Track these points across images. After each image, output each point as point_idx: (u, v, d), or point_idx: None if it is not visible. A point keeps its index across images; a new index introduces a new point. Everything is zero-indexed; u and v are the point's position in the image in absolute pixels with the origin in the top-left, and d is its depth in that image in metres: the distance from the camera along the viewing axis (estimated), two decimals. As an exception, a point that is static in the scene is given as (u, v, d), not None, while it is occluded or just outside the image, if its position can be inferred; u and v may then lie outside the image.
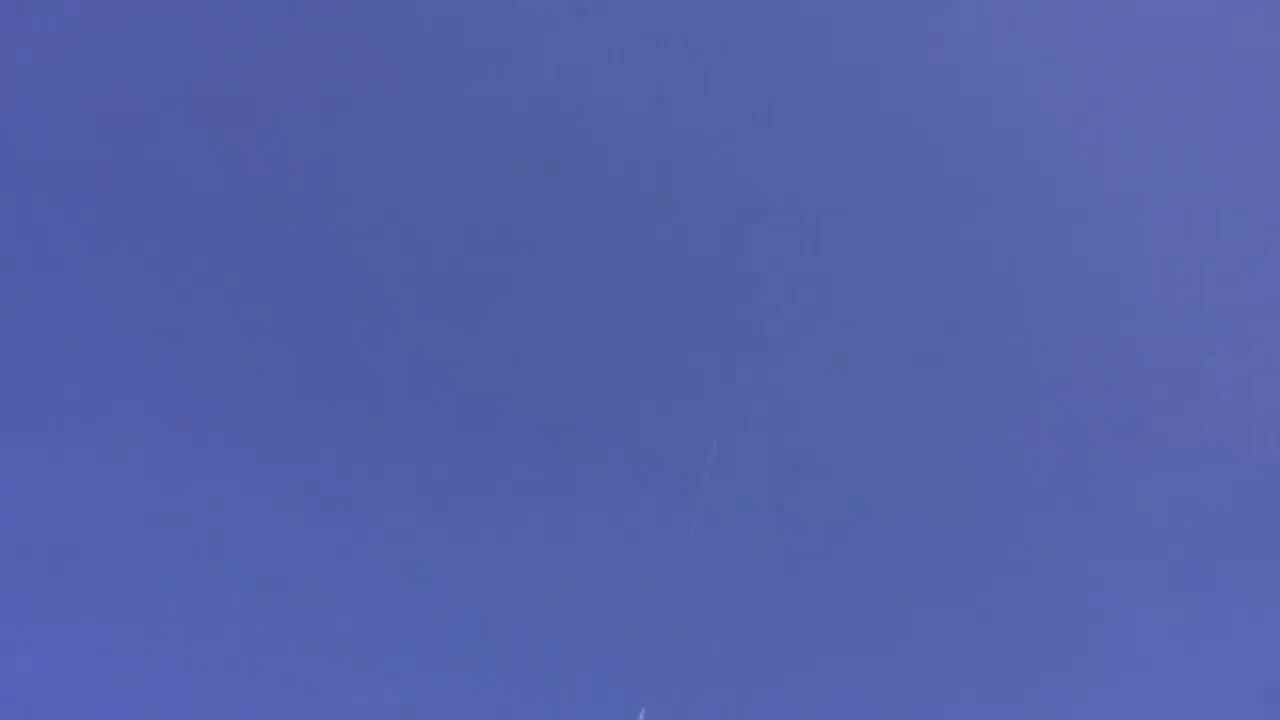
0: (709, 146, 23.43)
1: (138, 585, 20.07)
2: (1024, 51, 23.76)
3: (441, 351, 22.27)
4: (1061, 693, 20.01)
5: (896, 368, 22.25)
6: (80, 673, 19.60)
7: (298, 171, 22.88)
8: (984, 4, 24.05)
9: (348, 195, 22.84)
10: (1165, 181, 22.86)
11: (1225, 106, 22.81)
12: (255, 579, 20.35)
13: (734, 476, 21.12)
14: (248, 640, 20.08)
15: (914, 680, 20.28)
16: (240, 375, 21.60)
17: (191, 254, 22.24)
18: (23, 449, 20.62)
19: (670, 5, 23.98)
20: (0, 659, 19.48)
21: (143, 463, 20.87)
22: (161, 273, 22.06)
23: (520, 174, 23.25)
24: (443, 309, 22.46)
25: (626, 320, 22.55)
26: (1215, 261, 22.21)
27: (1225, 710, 19.39)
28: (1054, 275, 22.58)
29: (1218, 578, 20.39)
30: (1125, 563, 20.69)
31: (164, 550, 20.30)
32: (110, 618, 19.78)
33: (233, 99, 23.00)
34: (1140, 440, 21.38)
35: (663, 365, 22.23)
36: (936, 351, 22.25)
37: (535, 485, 21.41)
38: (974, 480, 21.54)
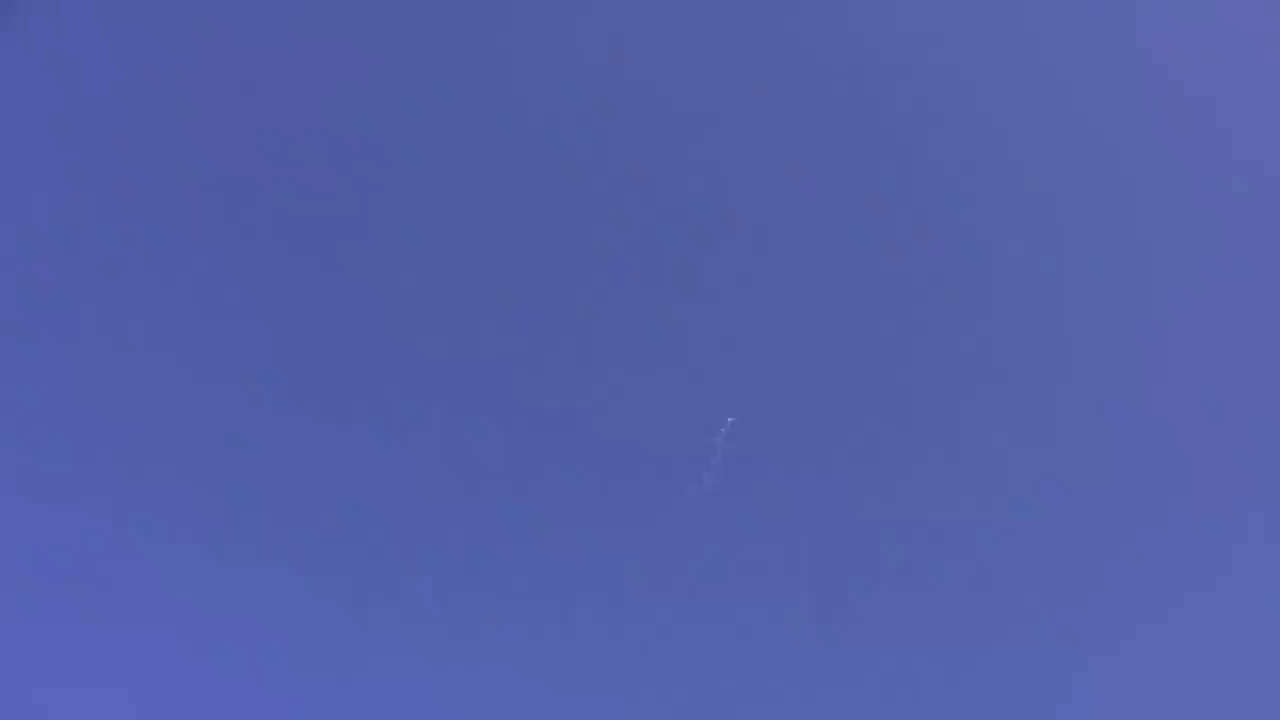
0: (705, 149, 23.54)
1: (140, 589, 20.27)
2: (1023, 52, 23.87)
3: (442, 353, 22.30)
4: (1062, 690, 20.21)
5: (896, 366, 22.42)
6: (82, 675, 19.72)
7: (302, 183, 23.01)
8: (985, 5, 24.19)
9: (349, 202, 22.93)
10: (1164, 181, 23.04)
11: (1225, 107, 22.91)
12: (256, 583, 20.64)
13: (738, 474, 21.32)
14: (249, 643, 20.28)
15: (915, 677, 20.51)
16: (239, 381, 21.80)
17: (195, 261, 22.31)
18: (26, 455, 20.86)
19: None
20: (2, 661, 19.57)
21: (144, 469, 21.02)
22: (164, 283, 22.13)
23: (522, 176, 23.32)
24: (443, 312, 22.55)
25: (626, 321, 22.75)
26: (1215, 260, 22.36)
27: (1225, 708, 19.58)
28: (1053, 274, 22.69)
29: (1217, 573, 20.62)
30: (1126, 562, 20.90)
31: (166, 555, 20.58)
32: (113, 622, 19.95)
33: (233, 100, 23.08)
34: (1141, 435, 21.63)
35: (662, 366, 22.35)
36: (938, 350, 22.44)
37: (537, 487, 21.64)
38: (974, 479, 21.76)
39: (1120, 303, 22.30)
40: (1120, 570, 20.74)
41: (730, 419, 21.23)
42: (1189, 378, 21.74)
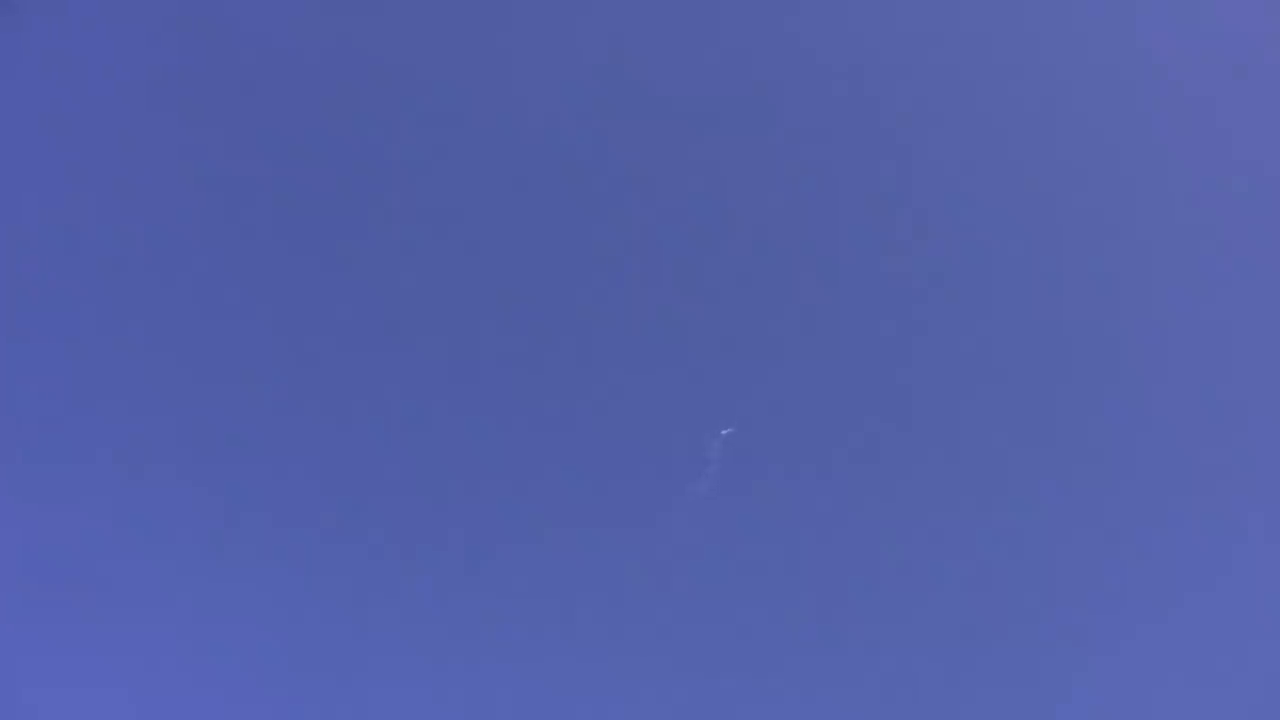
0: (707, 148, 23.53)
1: (140, 589, 20.27)
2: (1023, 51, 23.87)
3: (442, 353, 22.32)
4: (1062, 690, 20.22)
5: (896, 366, 22.41)
6: (82, 675, 19.72)
7: (302, 183, 23.01)
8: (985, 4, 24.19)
9: (349, 202, 22.93)
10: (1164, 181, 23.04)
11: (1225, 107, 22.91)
12: (256, 583, 20.64)
13: (737, 475, 21.33)
14: (249, 643, 20.29)
15: (915, 677, 20.51)
16: (239, 381, 21.80)
17: (195, 261, 22.32)
18: (26, 455, 20.84)
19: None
20: (2, 661, 19.57)
21: (144, 469, 21.04)
22: (164, 283, 22.15)
23: (522, 176, 23.32)
24: (443, 312, 22.55)
25: (625, 321, 22.74)
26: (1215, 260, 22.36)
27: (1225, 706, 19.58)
28: (1052, 274, 22.70)
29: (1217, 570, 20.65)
30: (1128, 562, 20.91)
31: (166, 555, 20.58)
32: (112, 622, 19.95)
33: (234, 100, 23.08)
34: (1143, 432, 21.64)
35: (662, 366, 22.35)
36: (942, 351, 22.45)
37: (537, 487, 21.65)
38: (974, 479, 21.76)
39: (1120, 303, 22.29)
40: (1120, 570, 20.74)
41: (725, 430, 21.22)
42: (1189, 378, 21.74)
